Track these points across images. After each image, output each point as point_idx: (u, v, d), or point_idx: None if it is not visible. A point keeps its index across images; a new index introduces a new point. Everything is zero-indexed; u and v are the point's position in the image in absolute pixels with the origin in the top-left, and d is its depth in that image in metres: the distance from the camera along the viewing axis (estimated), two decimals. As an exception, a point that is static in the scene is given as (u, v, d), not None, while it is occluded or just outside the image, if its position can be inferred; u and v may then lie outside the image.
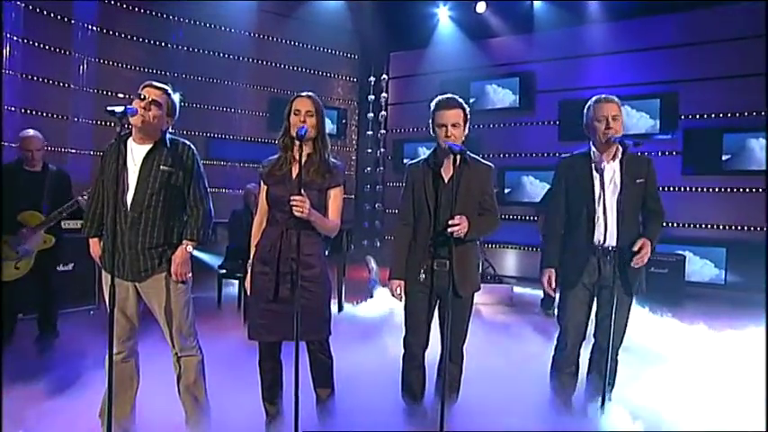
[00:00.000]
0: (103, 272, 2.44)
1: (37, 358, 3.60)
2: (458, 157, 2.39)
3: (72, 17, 7.05)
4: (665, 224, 2.72)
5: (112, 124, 2.19)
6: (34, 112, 6.80)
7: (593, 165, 2.68)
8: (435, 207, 2.54)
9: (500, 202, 2.69)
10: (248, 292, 2.56)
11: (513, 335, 4.42)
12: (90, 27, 7.24)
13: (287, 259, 2.36)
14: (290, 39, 8.87)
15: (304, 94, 2.42)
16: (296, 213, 2.20)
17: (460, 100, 2.57)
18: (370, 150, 9.78)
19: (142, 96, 2.39)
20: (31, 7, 6.62)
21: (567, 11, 7.83)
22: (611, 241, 2.60)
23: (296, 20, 8.75)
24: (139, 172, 2.40)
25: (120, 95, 7.14)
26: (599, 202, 2.63)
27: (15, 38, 6.46)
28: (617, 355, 2.69)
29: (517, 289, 6.82)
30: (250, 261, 2.50)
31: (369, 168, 9.78)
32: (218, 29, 8.24)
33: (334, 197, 2.44)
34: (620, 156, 2.60)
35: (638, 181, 2.62)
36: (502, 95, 8.53)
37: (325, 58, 9.19)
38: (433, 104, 2.57)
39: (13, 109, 6.46)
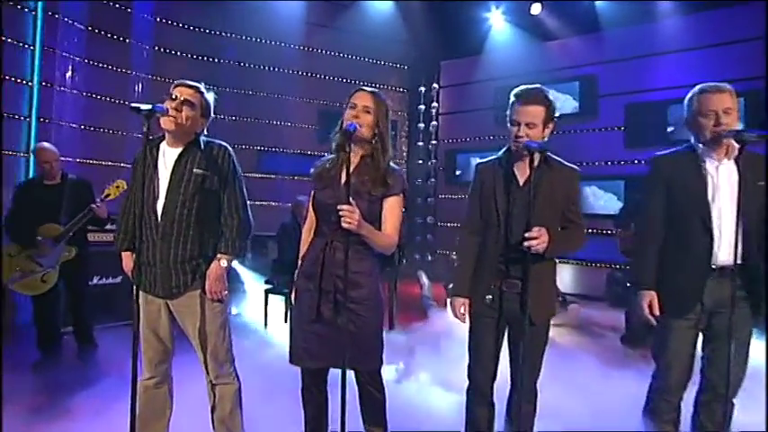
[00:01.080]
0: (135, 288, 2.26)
1: (72, 373, 3.47)
2: (536, 156, 1.99)
3: (130, 37, 7.22)
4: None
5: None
6: (94, 129, 6.96)
7: (702, 164, 2.20)
8: (507, 215, 2.14)
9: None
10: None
11: (590, 365, 3.85)
12: (146, 46, 7.39)
13: (331, 276, 2.07)
14: (338, 51, 8.75)
15: (367, 88, 2.14)
16: (344, 225, 1.91)
17: (545, 93, 2.13)
18: (420, 162, 9.47)
19: (173, 96, 2.19)
20: (96, 30, 6.82)
21: (632, 7, 7.23)
22: (730, 257, 2.09)
23: (344, 31, 8.61)
24: (171, 176, 2.21)
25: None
26: (714, 210, 2.14)
27: (78, 58, 6.66)
28: (735, 396, 2.16)
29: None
30: (296, 274, 2.24)
31: (420, 180, 9.45)
32: (268, 43, 8.26)
33: (391, 208, 2.10)
34: (735, 153, 2.12)
35: (759, 183, 2.12)
36: (562, 101, 7.98)
37: (374, 69, 9.00)
38: (512, 95, 2.15)
39: (75, 126, 6.64)
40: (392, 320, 5.18)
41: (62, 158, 4.06)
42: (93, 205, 3.60)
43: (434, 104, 9.36)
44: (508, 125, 2.16)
